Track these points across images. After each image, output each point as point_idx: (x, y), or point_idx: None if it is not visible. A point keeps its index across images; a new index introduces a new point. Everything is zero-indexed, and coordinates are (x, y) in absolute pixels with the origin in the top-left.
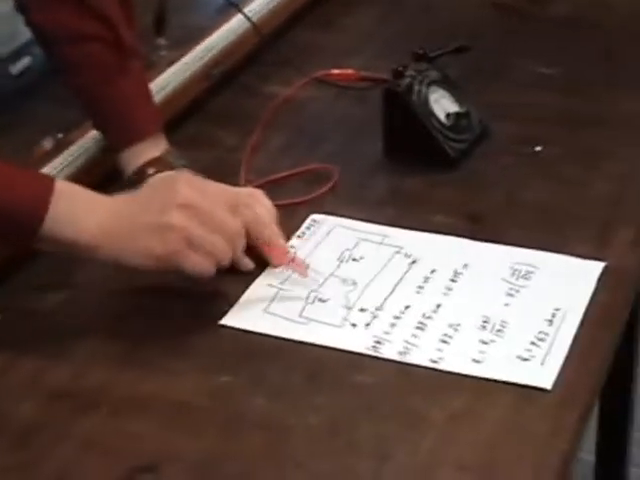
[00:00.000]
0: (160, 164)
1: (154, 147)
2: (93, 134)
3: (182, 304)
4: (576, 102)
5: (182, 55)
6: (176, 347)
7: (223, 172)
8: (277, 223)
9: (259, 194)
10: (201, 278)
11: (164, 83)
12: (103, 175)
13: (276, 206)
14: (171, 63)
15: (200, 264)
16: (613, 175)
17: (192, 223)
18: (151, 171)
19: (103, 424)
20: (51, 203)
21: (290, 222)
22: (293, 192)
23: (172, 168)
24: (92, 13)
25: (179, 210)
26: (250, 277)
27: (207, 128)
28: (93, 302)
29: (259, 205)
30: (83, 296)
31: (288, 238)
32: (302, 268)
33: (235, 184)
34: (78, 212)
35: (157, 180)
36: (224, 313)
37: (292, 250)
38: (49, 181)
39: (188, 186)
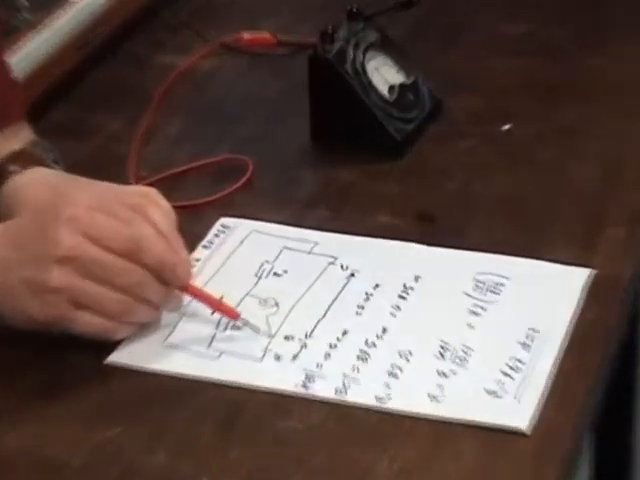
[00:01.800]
0: (25, 159)
1: (15, 138)
2: None
3: (59, 338)
4: (550, 68)
5: (50, 18)
6: (51, 391)
7: (106, 167)
8: (177, 230)
9: (153, 194)
10: (104, 339)
11: (28, 54)
12: None
13: (175, 208)
14: (36, 28)
15: (94, 325)
16: (598, 159)
17: (76, 280)
18: (13, 168)
19: None
20: None
21: (194, 228)
22: (197, 190)
23: (41, 163)
24: None
25: (59, 266)
26: None
27: (84, 111)
28: None
29: (154, 208)
30: None
31: (192, 249)
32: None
33: (123, 182)
34: None
35: (38, 212)
36: (112, 348)
37: (197, 264)
38: None
39: (70, 228)
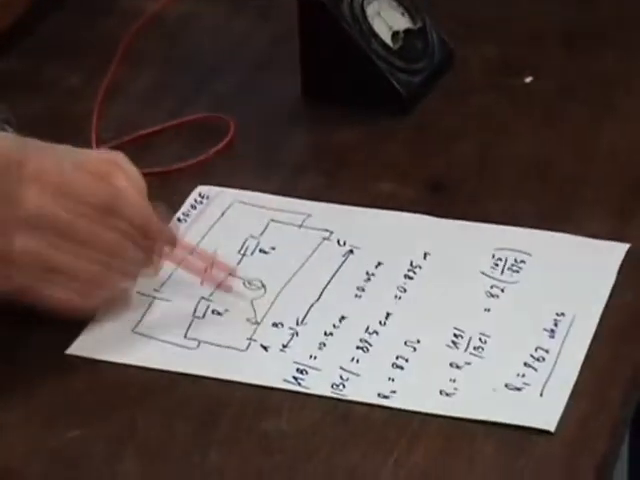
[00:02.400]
0: None
1: None
2: None
3: (9, 324)
4: (582, 11)
5: None
6: (2, 388)
7: (63, 128)
8: (146, 199)
9: (119, 159)
10: (73, 314)
11: None
12: None
13: (145, 175)
14: None
15: (65, 298)
16: (636, 118)
17: (45, 246)
18: None
19: None
20: None
21: (167, 198)
22: (170, 154)
23: None
24: None
25: (26, 231)
26: None
27: (38, 62)
28: None
29: (120, 176)
30: None
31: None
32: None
33: (83, 146)
34: None
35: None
36: (73, 337)
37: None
38: None
39: (37, 186)
